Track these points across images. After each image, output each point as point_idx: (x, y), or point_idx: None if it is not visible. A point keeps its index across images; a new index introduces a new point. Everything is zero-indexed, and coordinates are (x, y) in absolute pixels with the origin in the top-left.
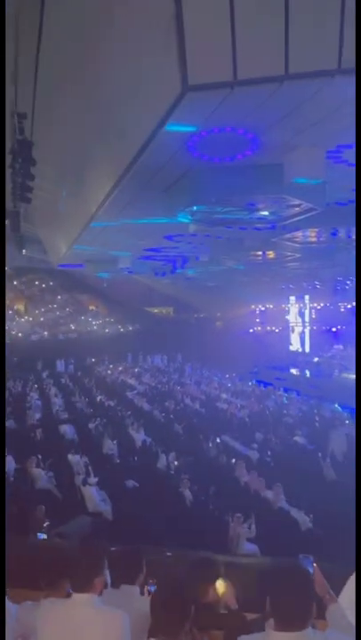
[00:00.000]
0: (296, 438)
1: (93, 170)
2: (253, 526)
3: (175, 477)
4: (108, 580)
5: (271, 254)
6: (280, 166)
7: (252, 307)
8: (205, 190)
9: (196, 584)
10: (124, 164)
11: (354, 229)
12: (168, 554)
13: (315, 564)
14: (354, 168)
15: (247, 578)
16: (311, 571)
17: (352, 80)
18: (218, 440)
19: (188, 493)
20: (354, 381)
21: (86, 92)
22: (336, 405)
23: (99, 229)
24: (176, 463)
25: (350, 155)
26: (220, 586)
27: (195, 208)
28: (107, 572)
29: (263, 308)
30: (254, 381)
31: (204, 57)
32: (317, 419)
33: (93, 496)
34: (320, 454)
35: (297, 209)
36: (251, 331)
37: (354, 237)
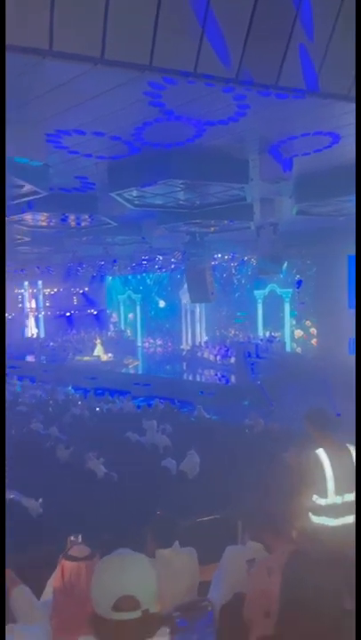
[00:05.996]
0: (32, 425)
1: None
2: None
3: None
4: None
5: None
6: None
7: None
8: None
9: None
10: None
11: (82, 217)
12: None
13: None
14: (75, 155)
15: None
16: None
17: (66, 67)
18: None
19: None
20: (86, 363)
21: None
22: (70, 388)
23: None
24: None
25: (70, 141)
26: None
27: None
28: None
29: None
30: None
31: None
32: (52, 402)
33: None
34: (53, 437)
35: (22, 190)
36: None
37: (83, 224)
